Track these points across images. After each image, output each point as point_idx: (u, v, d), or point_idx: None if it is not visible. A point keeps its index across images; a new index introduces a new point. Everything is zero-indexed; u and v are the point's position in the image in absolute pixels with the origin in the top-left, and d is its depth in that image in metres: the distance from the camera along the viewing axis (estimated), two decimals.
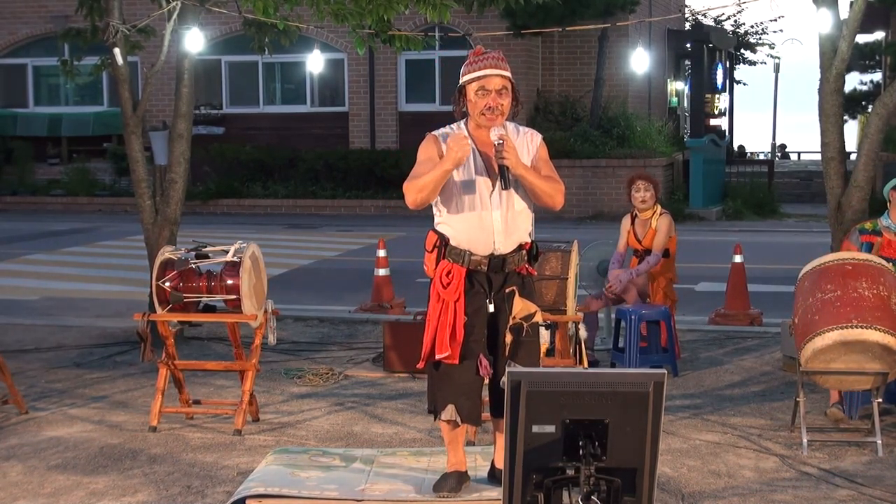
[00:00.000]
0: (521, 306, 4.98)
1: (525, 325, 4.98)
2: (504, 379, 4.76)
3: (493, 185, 4.93)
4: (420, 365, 5.06)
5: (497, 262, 4.96)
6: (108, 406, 7.47)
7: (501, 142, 4.81)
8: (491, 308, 4.97)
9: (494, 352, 5.00)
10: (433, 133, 5.04)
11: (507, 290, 4.98)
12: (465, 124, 5.05)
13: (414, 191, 4.86)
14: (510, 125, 5.02)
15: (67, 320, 10.60)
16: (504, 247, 4.97)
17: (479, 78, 4.90)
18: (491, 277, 4.98)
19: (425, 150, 4.98)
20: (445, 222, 5.00)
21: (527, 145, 5.03)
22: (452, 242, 4.97)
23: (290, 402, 7.58)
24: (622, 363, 8.15)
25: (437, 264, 5.00)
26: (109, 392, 7.85)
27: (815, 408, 7.11)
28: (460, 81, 4.98)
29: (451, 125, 5.09)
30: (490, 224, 4.92)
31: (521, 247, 5.02)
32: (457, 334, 4.90)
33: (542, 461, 3.85)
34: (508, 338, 4.97)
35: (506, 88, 4.91)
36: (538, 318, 5.05)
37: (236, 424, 6.77)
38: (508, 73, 4.94)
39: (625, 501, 3.89)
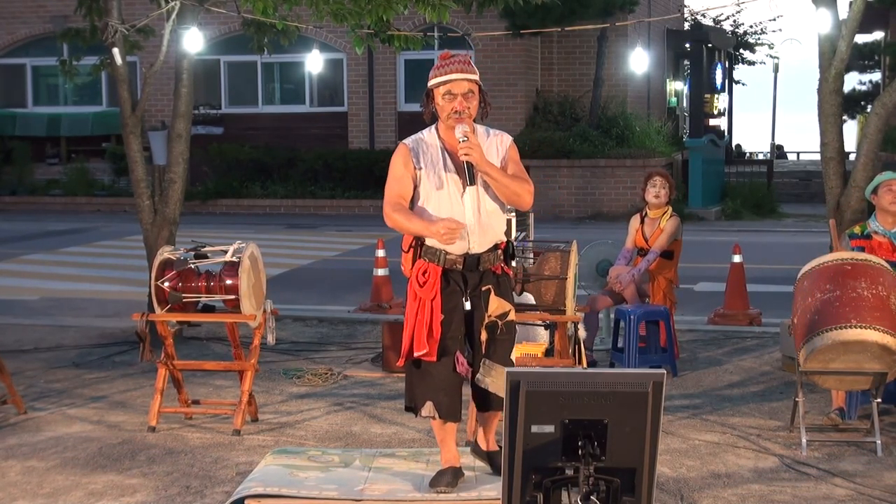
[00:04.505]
0: (496, 304, 5.07)
1: (500, 322, 5.07)
2: (480, 376, 4.98)
3: (464, 186, 5.01)
4: (400, 363, 5.15)
5: (472, 261, 5.05)
6: (107, 406, 7.47)
7: (465, 138, 4.90)
8: (468, 306, 5.05)
9: (472, 349, 5.10)
10: (405, 142, 5.13)
11: (483, 289, 5.06)
12: (436, 127, 5.12)
13: (392, 223, 5.08)
14: (480, 128, 5.11)
15: (66, 320, 10.60)
16: (479, 246, 5.05)
17: (445, 82, 4.98)
18: (466, 276, 5.06)
19: (397, 165, 5.10)
20: None
21: (496, 147, 5.11)
22: (428, 242, 5.06)
23: (289, 403, 7.58)
24: (621, 363, 8.15)
25: (413, 264, 5.10)
26: (108, 392, 7.85)
27: (814, 408, 7.11)
28: (428, 85, 5.06)
29: (423, 130, 5.16)
30: (463, 224, 4.95)
31: (496, 246, 5.11)
32: (434, 332, 4.99)
33: (542, 461, 3.85)
34: (484, 335, 5.06)
35: (472, 92, 5.01)
36: (512, 316, 5.14)
37: (235, 424, 6.77)
38: (475, 77, 5.03)
39: (624, 501, 3.89)
